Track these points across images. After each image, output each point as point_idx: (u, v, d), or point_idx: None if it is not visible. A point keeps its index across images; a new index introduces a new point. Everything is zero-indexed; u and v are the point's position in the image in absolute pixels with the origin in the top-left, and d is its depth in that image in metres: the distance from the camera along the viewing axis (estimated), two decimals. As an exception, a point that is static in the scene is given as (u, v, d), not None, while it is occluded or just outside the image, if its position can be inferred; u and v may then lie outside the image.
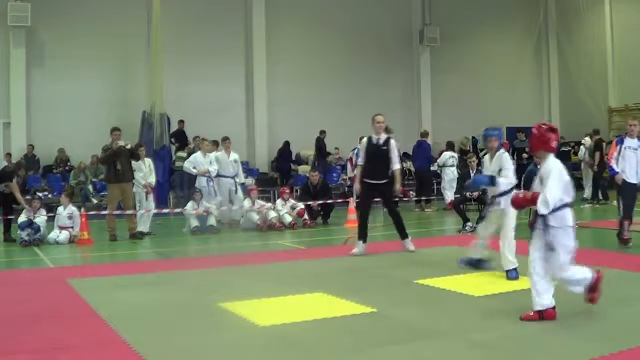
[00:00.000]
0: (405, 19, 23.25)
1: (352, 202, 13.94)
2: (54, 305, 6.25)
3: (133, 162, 11.86)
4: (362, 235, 9.00)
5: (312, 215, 13.40)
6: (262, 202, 13.25)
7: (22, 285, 7.45)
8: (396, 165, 8.97)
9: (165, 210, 14.09)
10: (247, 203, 12.87)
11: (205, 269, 8.32)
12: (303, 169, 19.50)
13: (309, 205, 13.38)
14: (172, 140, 18.55)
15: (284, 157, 19.96)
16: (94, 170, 17.57)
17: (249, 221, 12.82)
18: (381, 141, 8.94)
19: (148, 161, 12.75)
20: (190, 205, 12.55)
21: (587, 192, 17.22)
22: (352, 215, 13.37)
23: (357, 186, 9.38)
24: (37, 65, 17.82)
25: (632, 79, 22.63)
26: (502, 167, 7.12)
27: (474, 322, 4.93)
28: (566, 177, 5.20)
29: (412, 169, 18.85)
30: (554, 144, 5.36)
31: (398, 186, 9.07)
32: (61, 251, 10.60)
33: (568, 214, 5.18)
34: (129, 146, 11.71)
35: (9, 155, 17.40)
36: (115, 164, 11.45)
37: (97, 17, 18.27)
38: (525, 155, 17.27)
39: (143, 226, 12.10)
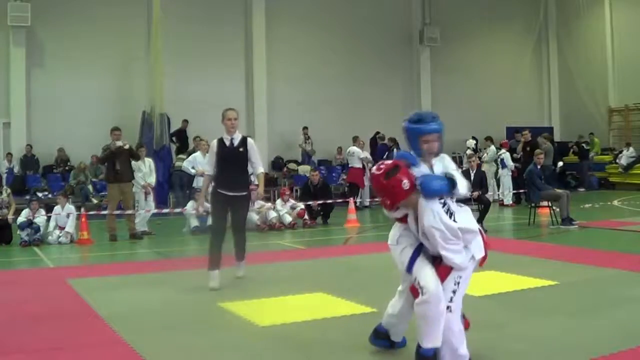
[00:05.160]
0: (405, 19, 23.26)
1: (352, 202, 13.95)
2: (54, 305, 6.24)
3: (133, 162, 11.87)
4: (216, 262, 7.05)
5: (312, 215, 13.40)
6: (262, 202, 13.24)
7: (22, 285, 7.44)
8: (260, 169, 7.41)
9: (165, 210, 14.10)
10: (246, 203, 12.86)
11: (205, 269, 8.30)
12: (303, 169, 19.50)
13: (309, 205, 13.37)
14: (173, 139, 18.55)
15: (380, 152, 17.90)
16: (94, 170, 17.58)
17: (248, 221, 12.80)
18: (236, 142, 7.24)
19: (148, 161, 12.77)
20: (190, 205, 12.55)
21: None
22: (352, 215, 13.38)
23: (201, 203, 7.84)
24: (37, 65, 17.82)
25: (632, 79, 22.65)
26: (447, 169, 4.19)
27: (474, 322, 4.92)
28: None
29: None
30: (406, 184, 3.89)
31: (262, 190, 7.70)
32: (61, 251, 10.60)
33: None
34: (127, 146, 11.71)
35: (9, 155, 17.43)
36: (115, 164, 11.45)
37: (97, 17, 18.27)
38: (516, 155, 17.26)
39: (140, 226, 12.11)
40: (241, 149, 7.22)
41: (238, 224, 7.37)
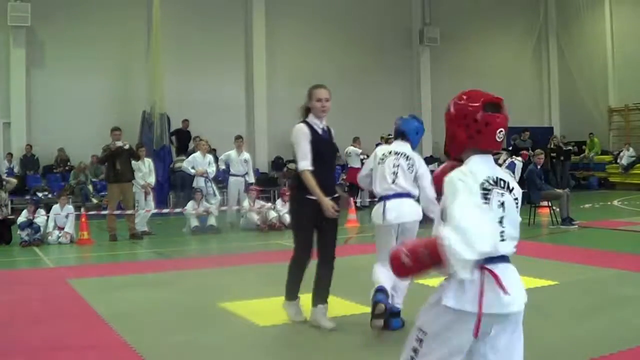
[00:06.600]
0: (405, 19, 23.25)
1: (352, 202, 13.93)
2: (54, 305, 6.25)
3: (133, 162, 11.87)
4: (295, 290, 5.47)
5: (312, 215, 13.37)
6: (262, 202, 13.25)
7: (22, 285, 7.44)
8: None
9: (165, 210, 14.10)
10: (247, 203, 12.88)
11: (205, 269, 8.31)
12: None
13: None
14: (172, 139, 18.53)
15: None
16: (94, 170, 17.57)
17: (249, 221, 12.83)
18: (326, 131, 5.50)
19: (148, 161, 12.78)
20: (190, 205, 12.56)
21: None
22: (352, 215, 13.37)
23: (327, 204, 5.09)
24: (37, 65, 17.80)
25: (632, 79, 22.62)
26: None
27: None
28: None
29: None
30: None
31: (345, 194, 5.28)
32: (61, 251, 10.59)
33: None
34: (127, 146, 11.72)
35: (9, 155, 17.43)
36: (115, 164, 11.46)
37: (97, 17, 18.24)
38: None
39: (140, 226, 12.12)
40: (334, 142, 5.54)
41: (329, 247, 5.40)
